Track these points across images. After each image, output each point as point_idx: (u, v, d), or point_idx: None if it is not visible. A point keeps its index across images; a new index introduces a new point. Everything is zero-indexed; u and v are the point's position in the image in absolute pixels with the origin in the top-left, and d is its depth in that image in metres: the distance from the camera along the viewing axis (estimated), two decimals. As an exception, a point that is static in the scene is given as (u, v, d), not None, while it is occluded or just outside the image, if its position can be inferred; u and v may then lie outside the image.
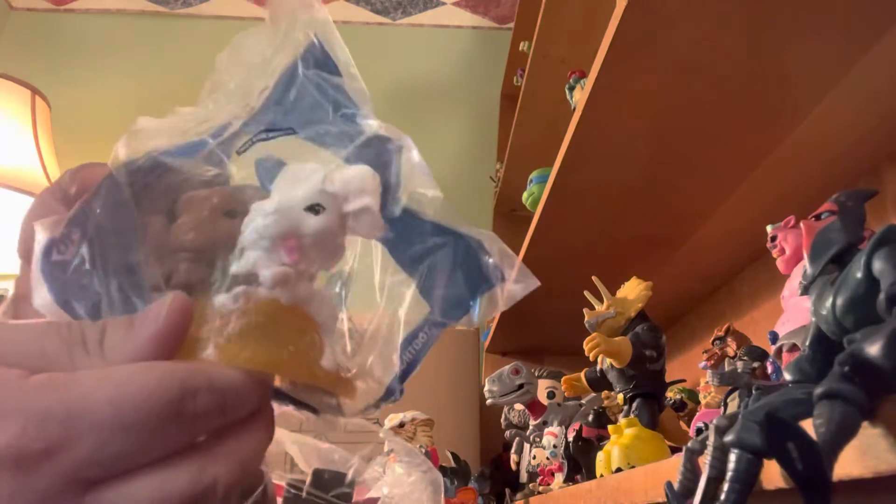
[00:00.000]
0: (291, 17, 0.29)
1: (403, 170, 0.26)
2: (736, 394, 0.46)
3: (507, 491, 1.22)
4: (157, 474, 0.20)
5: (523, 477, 1.11)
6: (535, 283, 0.26)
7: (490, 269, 0.26)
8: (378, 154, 0.26)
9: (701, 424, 0.56)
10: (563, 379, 0.86)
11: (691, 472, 0.33)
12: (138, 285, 0.24)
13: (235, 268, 0.24)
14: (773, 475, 0.26)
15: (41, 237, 0.25)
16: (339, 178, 0.25)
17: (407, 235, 0.26)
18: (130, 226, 0.25)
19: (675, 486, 0.34)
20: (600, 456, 0.65)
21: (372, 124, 0.27)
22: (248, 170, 0.27)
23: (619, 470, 0.60)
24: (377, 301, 0.27)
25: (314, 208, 0.24)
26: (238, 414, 0.22)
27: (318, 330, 0.25)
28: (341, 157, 0.26)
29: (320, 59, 0.28)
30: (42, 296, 0.24)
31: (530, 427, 1.07)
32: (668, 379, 0.75)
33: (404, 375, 0.26)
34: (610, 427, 0.66)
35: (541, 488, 0.93)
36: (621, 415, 0.72)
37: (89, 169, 0.27)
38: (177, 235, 0.25)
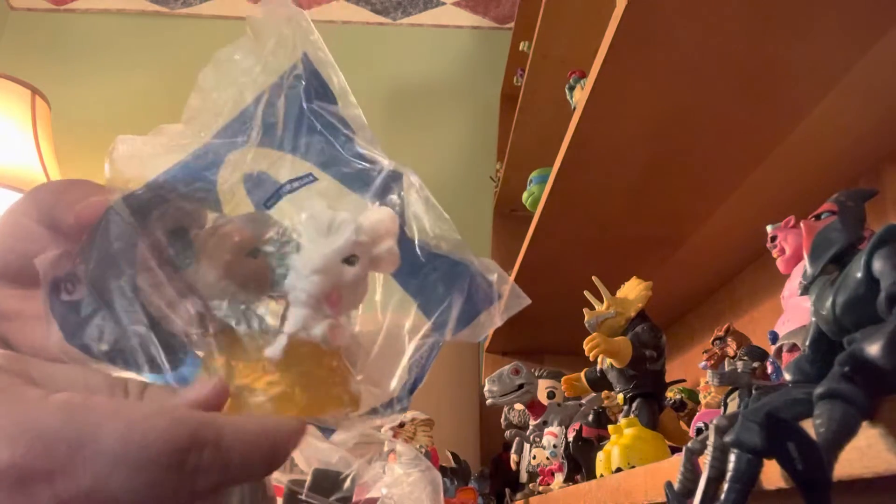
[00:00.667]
0: (279, 32, 0.28)
1: (412, 206, 0.28)
2: (736, 394, 0.46)
3: (507, 491, 1.22)
4: None
5: (523, 477, 1.11)
6: (526, 301, 0.28)
7: (488, 289, 0.28)
8: (389, 191, 0.28)
9: (701, 424, 0.56)
10: (563, 379, 0.86)
11: (691, 472, 0.33)
12: (160, 329, 0.25)
13: (287, 326, 0.25)
14: (773, 475, 0.26)
15: (45, 275, 0.26)
16: (366, 224, 0.26)
17: (412, 263, 0.27)
18: (136, 262, 0.26)
19: (675, 486, 0.34)
20: (600, 456, 0.65)
21: (384, 162, 0.28)
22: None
23: (619, 470, 0.60)
24: (379, 318, 0.28)
25: (350, 260, 0.26)
26: (241, 476, 0.22)
27: (343, 358, 0.27)
28: (363, 197, 0.28)
29: (319, 87, 0.28)
30: (57, 337, 0.25)
31: (530, 427, 1.07)
32: (668, 379, 0.75)
33: (412, 388, 0.28)
34: (610, 427, 0.66)
35: (541, 488, 0.93)
36: (621, 415, 0.72)
37: (85, 202, 0.27)
38: (205, 280, 0.26)
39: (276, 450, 0.22)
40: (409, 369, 0.28)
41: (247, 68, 0.28)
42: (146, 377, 0.25)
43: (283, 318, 0.26)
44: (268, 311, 0.27)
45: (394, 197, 0.27)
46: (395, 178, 0.28)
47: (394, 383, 0.27)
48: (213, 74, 0.29)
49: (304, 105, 0.28)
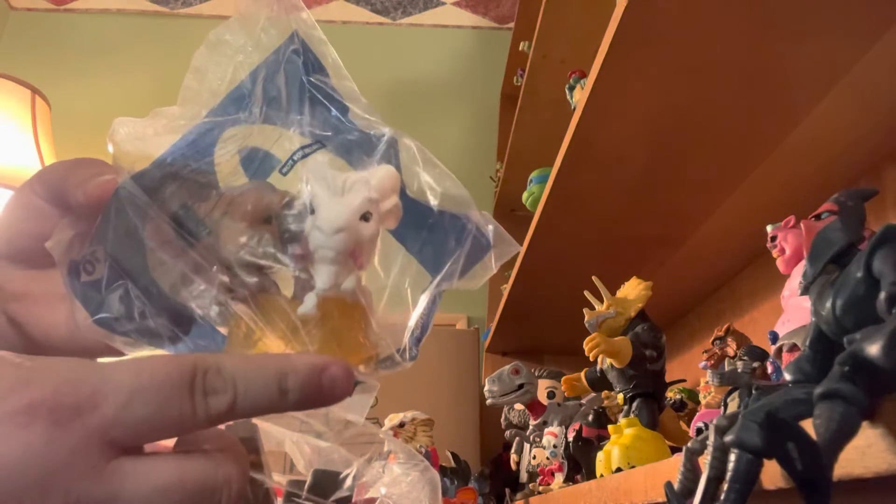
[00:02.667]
0: (268, 10, 0.29)
1: (411, 164, 0.29)
2: (736, 394, 0.46)
3: (507, 491, 1.22)
4: (176, 458, 0.23)
5: (523, 477, 1.11)
6: (516, 247, 0.30)
7: (482, 239, 0.29)
8: (390, 153, 0.29)
9: (701, 424, 0.56)
10: (563, 379, 0.86)
11: (691, 472, 0.33)
12: (183, 299, 0.26)
13: (320, 283, 0.27)
14: (773, 475, 0.26)
15: (61, 258, 0.27)
16: (374, 182, 0.27)
17: (410, 219, 0.29)
18: (153, 238, 0.27)
19: (675, 486, 0.34)
20: (600, 456, 0.65)
21: (383, 128, 0.29)
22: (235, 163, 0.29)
23: (619, 470, 0.60)
24: (380, 274, 0.29)
25: (366, 216, 0.27)
26: (250, 401, 0.23)
27: (366, 312, 0.28)
28: (368, 162, 0.29)
29: (314, 63, 0.29)
30: (82, 316, 0.27)
31: (530, 427, 1.07)
32: (668, 379, 0.75)
33: (419, 338, 0.29)
34: (610, 427, 0.66)
35: (541, 488, 0.93)
36: (621, 415, 0.72)
37: (95, 181, 0.28)
38: (227, 248, 0.27)
39: (282, 377, 0.24)
40: (414, 321, 0.29)
41: (239, 47, 0.29)
42: (167, 349, 0.27)
43: (300, 280, 0.27)
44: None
45: (394, 161, 0.29)
46: (394, 142, 0.29)
47: (403, 335, 0.29)
48: (207, 54, 0.29)
49: (304, 78, 0.29)
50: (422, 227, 0.28)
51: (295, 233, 0.27)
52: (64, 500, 0.20)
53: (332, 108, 0.29)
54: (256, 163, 0.29)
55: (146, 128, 0.29)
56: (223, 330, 0.27)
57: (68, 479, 0.21)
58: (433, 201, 0.28)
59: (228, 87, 0.29)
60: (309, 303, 0.26)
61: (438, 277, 0.28)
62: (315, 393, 0.24)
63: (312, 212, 0.27)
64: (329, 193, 0.27)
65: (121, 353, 0.28)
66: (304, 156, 0.29)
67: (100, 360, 0.23)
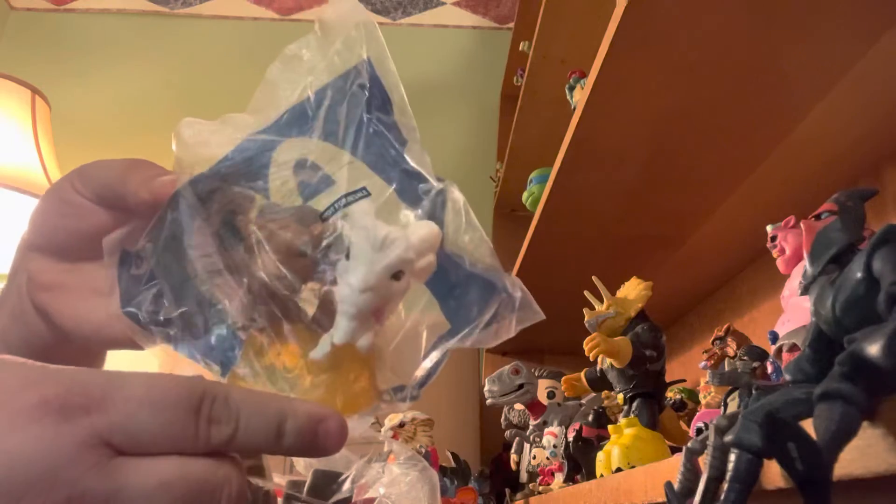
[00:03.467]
0: (346, 34, 0.29)
1: (450, 220, 0.29)
2: (736, 394, 0.46)
3: (507, 491, 1.22)
4: (177, 459, 0.23)
5: (523, 477, 1.11)
6: (540, 315, 0.29)
7: (508, 303, 0.28)
8: (435, 207, 0.29)
9: (701, 424, 0.56)
10: (563, 379, 0.86)
11: (691, 472, 0.33)
12: (210, 314, 0.27)
13: (334, 335, 0.27)
14: (773, 475, 0.26)
15: (112, 249, 0.28)
16: (414, 240, 0.27)
17: (442, 271, 0.29)
18: (197, 245, 0.28)
19: (675, 486, 0.34)
20: (600, 456, 0.65)
21: (432, 180, 0.29)
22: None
23: (619, 470, 0.60)
24: (400, 312, 0.29)
25: (397, 275, 0.27)
26: (246, 440, 0.24)
27: (378, 359, 0.29)
28: (411, 211, 0.29)
29: (378, 99, 0.29)
30: (116, 304, 0.28)
31: (530, 427, 1.07)
32: (668, 379, 0.75)
33: (422, 384, 0.30)
34: (610, 427, 0.66)
35: (541, 488, 0.93)
36: (621, 415, 0.72)
37: (160, 181, 0.29)
38: (259, 274, 0.28)
39: (281, 420, 0.24)
40: (423, 368, 0.29)
41: (312, 66, 0.30)
42: (182, 352, 0.28)
43: (319, 317, 0.28)
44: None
45: (438, 213, 0.29)
46: (440, 195, 0.29)
47: (409, 376, 0.29)
48: (280, 69, 0.30)
49: (365, 116, 0.29)
50: (451, 282, 0.29)
51: (325, 276, 0.28)
52: (69, 493, 0.21)
53: (385, 149, 0.29)
54: (312, 187, 0.29)
55: (212, 133, 0.29)
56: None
57: (74, 473, 0.21)
58: (467, 264, 0.28)
59: (289, 104, 0.29)
60: (321, 349, 0.27)
61: (458, 336, 0.28)
62: (309, 442, 0.25)
63: (347, 257, 0.27)
64: (367, 246, 0.27)
65: (141, 349, 0.29)
66: (348, 203, 0.28)
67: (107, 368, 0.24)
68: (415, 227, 0.28)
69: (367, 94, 0.29)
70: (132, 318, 0.28)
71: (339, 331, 0.27)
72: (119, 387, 0.23)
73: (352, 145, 0.29)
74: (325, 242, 0.28)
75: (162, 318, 0.28)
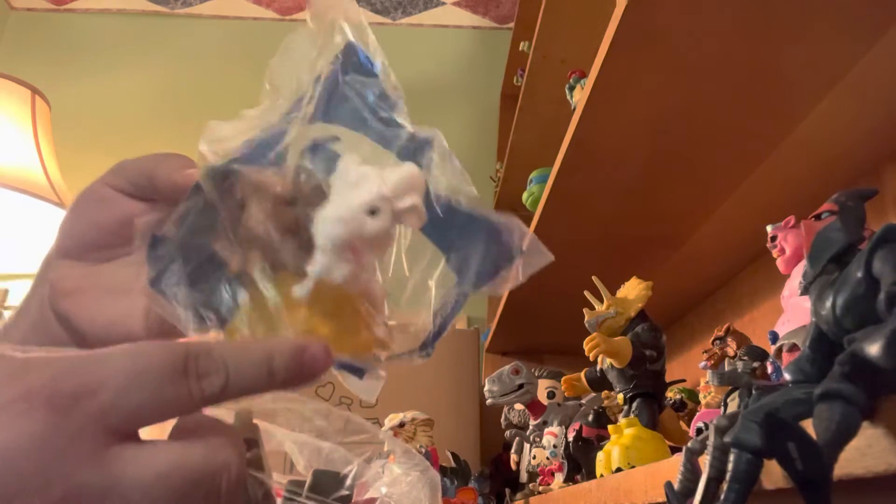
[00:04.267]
0: (330, 18, 0.31)
1: (438, 165, 0.30)
2: (736, 394, 0.46)
3: (507, 491, 1.22)
4: (176, 445, 0.23)
5: (523, 477, 1.11)
6: (549, 257, 0.30)
7: (510, 246, 0.29)
8: (418, 151, 0.30)
9: (701, 424, 0.56)
10: (563, 379, 0.86)
11: (691, 472, 0.33)
12: (217, 276, 0.29)
13: (311, 270, 0.28)
14: (773, 475, 0.26)
15: (145, 233, 0.30)
16: (391, 179, 0.28)
17: (441, 221, 0.29)
18: (213, 229, 0.30)
19: (675, 486, 0.34)
20: (600, 456, 0.65)
21: (407, 127, 0.30)
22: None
23: (619, 470, 0.60)
24: (405, 271, 0.30)
25: (373, 211, 0.28)
26: (239, 385, 0.25)
27: (370, 304, 0.29)
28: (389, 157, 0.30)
29: (356, 63, 0.30)
30: (144, 281, 0.29)
31: (530, 427, 1.07)
32: (668, 379, 0.75)
33: (436, 336, 0.30)
34: (610, 427, 0.66)
35: (541, 488, 0.93)
36: (621, 415, 0.72)
37: (185, 171, 0.32)
38: (248, 226, 0.29)
39: (269, 359, 0.25)
40: (434, 318, 0.30)
41: (306, 54, 0.31)
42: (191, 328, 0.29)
43: (306, 261, 0.29)
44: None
45: (421, 157, 0.29)
46: (422, 141, 0.30)
47: (421, 331, 0.30)
48: (280, 61, 0.32)
49: (341, 78, 0.30)
50: (451, 230, 0.29)
51: (308, 219, 0.29)
52: (65, 487, 0.20)
53: (363, 106, 0.30)
54: (323, 169, 0.30)
55: (230, 129, 0.31)
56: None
57: (69, 467, 0.20)
58: (455, 200, 0.29)
59: (294, 93, 0.31)
60: (304, 287, 0.28)
61: (465, 285, 0.29)
62: (298, 372, 0.25)
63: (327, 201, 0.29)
64: (343, 185, 0.28)
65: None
66: (317, 148, 0.30)
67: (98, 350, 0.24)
68: (394, 167, 0.29)
69: (341, 58, 0.30)
70: (156, 289, 0.29)
71: (316, 265, 0.28)
72: (103, 365, 0.22)
73: (326, 111, 0.30)
74: (307, 189, 0.29)
75: (178, 293, 0.29)
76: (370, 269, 0.30)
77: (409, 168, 0.29)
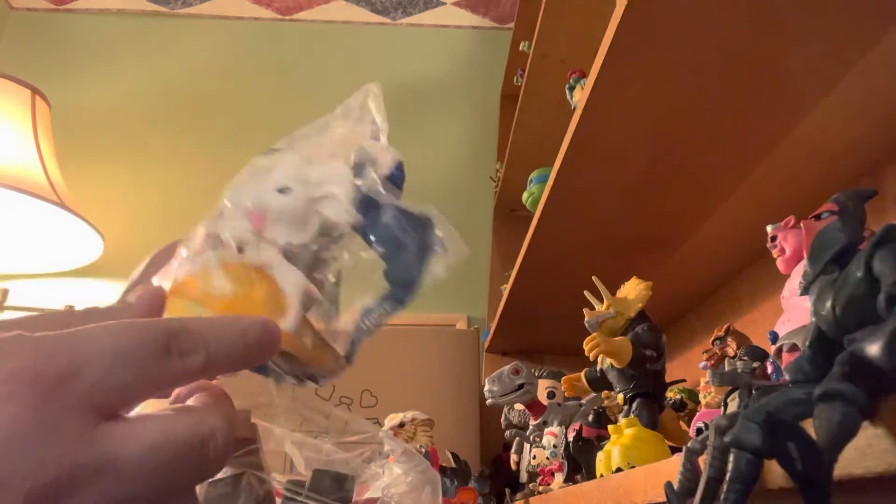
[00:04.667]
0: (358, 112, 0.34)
1: (372, 160, 0.31)
2: (736, 394, 0.46)
3: (507, 491, 1.22)
4: (163, 418, 0.23)
5: (523, 477, 1.10)
6: (465, 251, 0.30)
7: (432, 242, 0.30)
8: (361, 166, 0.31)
9: (701, 424, 0.56)
10: (563, 379, 0.86)
11: (691, 472, 0.33)
12: None
13: (216, 230, 0.30)
14: (773, 475, 0.26)
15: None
16: (314, 171, 0.30)
17: (374, 222, 0.30)
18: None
19: (675, 486, 0.34)
20: (600, 456, 0.65)
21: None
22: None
23: (619, 470, 0.60)
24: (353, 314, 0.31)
25: (283, 190, 0.30)
26: (220, 360, 0.25)
27: (283, 294, 0.30)
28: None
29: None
30: None
31: (530, 427, 1.07)
32: (668, 379, 0.75)
33: (353, 344, 0.31)
34: (610, 427, 0.66)
35: (541, 488, 0.93)
36: (621, 415, 0.72)
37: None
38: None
39: (246, 332, 0.26)
40: (357, 324, 0.31)
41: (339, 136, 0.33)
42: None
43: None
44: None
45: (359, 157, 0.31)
46: (366, 154, 0.31)
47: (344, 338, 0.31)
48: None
49: None
50: (379, 224, 0.30)
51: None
52: (58, 468, 0.20)
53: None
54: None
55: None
56: None
57: (60, 448, 0.21)
58: (387, 201, 0.30)
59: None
60: (203, 256, 0.30)
61: (385, 294, 0.30)
62: (269, 345, 0.27)
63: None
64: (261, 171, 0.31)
65: None
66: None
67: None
68: (326, 163, 0.31)
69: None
70: None
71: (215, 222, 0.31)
72: (86, 345, 0.22)
73: None
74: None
75: None
76: (271, 242, 0.30)
77: (336, 163, 0.30)
